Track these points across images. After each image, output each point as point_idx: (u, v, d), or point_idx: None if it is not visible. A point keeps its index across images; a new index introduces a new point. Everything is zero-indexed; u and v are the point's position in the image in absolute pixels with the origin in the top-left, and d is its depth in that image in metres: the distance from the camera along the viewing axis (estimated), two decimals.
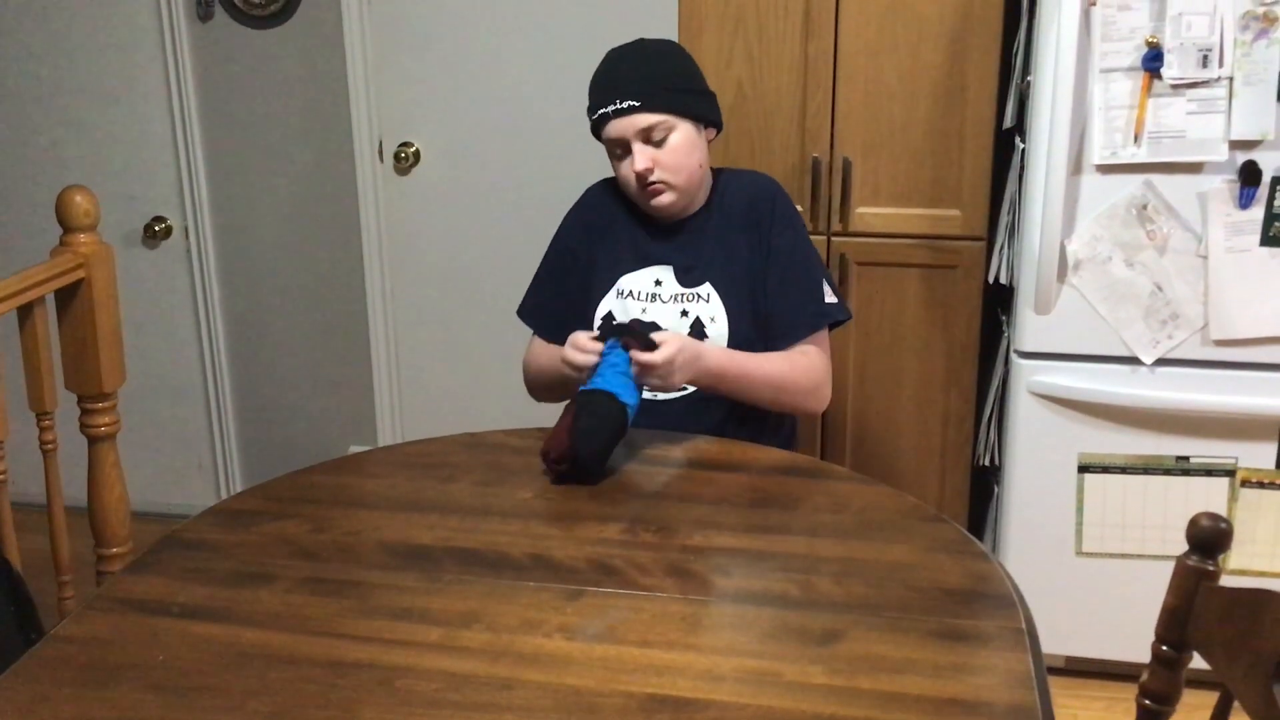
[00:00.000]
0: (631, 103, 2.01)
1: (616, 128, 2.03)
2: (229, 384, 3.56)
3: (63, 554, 2.37)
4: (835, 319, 2.13)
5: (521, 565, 1.52)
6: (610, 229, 2.18)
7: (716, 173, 2.20)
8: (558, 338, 2.08)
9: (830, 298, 2.12)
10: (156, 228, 3.43)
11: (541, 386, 2.22)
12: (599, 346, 1.87)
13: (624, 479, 1.81)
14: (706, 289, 2.09)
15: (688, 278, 2.10)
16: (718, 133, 2.17)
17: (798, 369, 2.06)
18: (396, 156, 3.31)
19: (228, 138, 3.35)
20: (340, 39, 3.20)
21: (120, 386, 2.42)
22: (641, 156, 2.02)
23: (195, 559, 1.55)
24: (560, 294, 2.21)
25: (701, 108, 2.10)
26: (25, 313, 2.25)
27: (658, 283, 2.11)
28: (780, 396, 2.07)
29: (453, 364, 3.46)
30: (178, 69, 3.29)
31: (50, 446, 2.32)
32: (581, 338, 1.91)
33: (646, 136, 2.02)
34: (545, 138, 3.21)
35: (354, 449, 3.50)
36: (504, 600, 1.43)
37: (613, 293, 2.13)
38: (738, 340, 2.07)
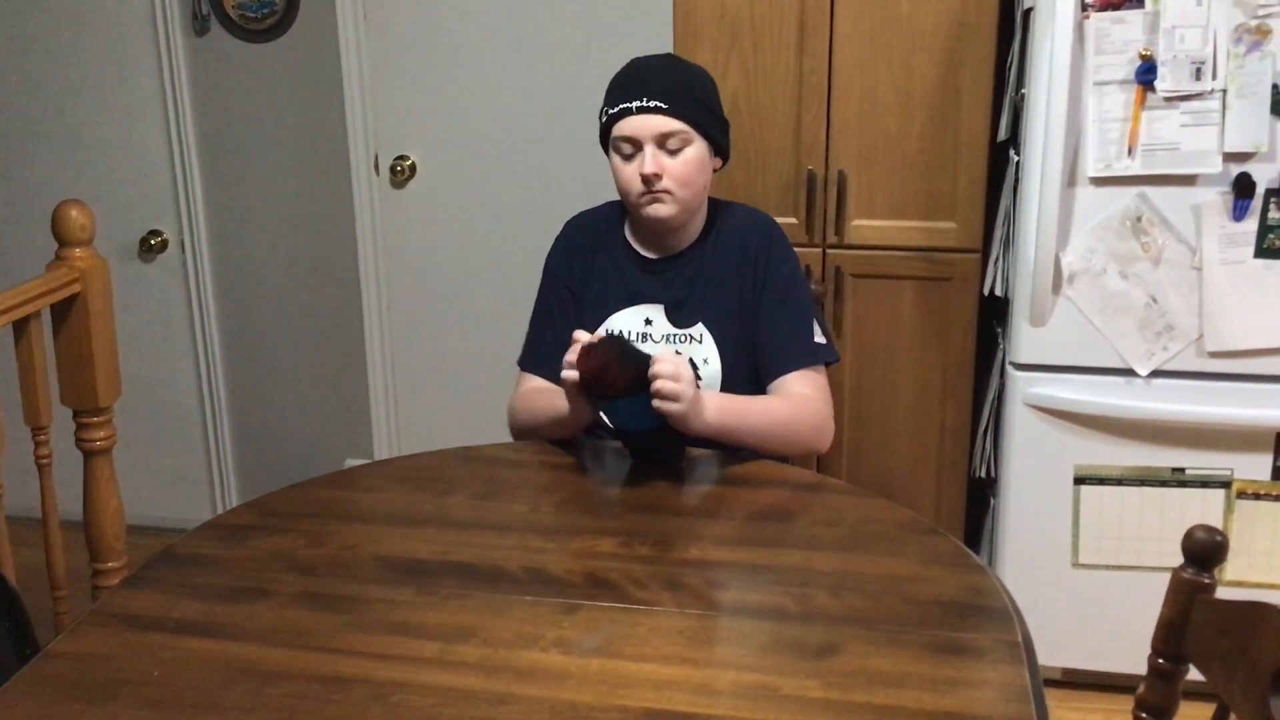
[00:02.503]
0: (658, 104, 1.95)
1: (634, 124, 1.96)
2: (225, 398, 3.56)
3: (58, 569, 2.36)
4: (824, 359, 2.05)
5: (518, 579, 1.52)
6: (597, 262, 2.11)
7: (711, 205, 2.13)
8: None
9: (819, 338, 2.05)
10: (152, 241, 3.43)
11: (530, 428, 2.06)
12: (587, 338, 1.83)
13: (619, 492, 1.81)
14: (699, 329, 2.04)
15: (679, 317, 2.05)
16: (723, 165, 2.11)
17: (799, 410, 1.99)
18: (392, 169, 3.31)
19: (223, 151, 3.36)
20: (336, 52, 3.20)
21: (116, 401, 2.41)
22: (652, 160, 1.95)
23: (191, 574, 1.55)
24: (561, 336, 2.05)
25: (720, 133, 2.05)
26: (20, 327, 2.25)
27: (648, 322, 2.06)
28: (783, 437, 1.98)
29: (449, 377, 3.46)
30: (173, 82, 3.30)
31: (46, 461, 2.31)
32: (581, 334, 1.84)
33: (662, 141, 1.96)
34: (541, 150, 3.21)
35: (350, 463, 3.50)
36: (500, 614, 1.43)
37: (601, 331, 2.05)
38: (732, 381, 2.01)
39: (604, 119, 2.03)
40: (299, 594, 1.49)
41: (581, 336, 1.84)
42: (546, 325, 2.13)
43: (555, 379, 1.94)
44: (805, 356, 2.02)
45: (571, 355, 1.82)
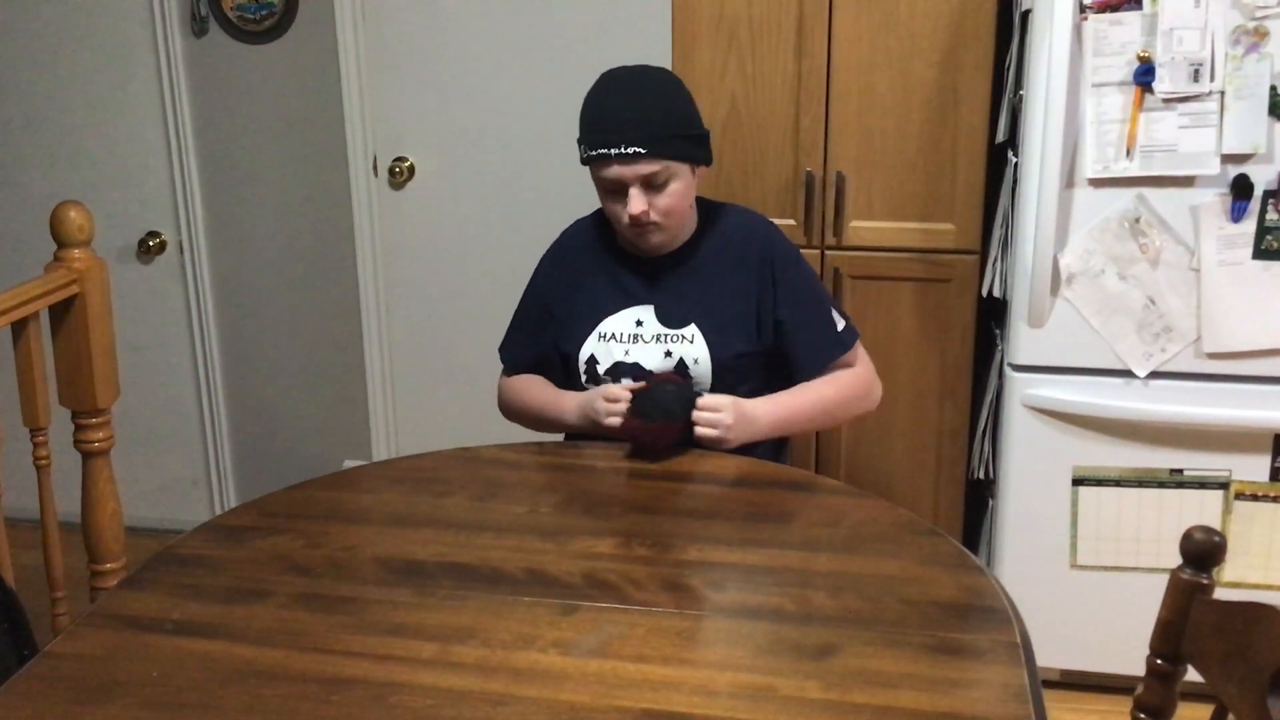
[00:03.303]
0: (637, 149, 1.95)
1: (616, 170, 1.97)
2: (223, 399, 3.56)
3: (57, 570, 2.36)
4: (849, 346, 2.15)
5: (516, 580, 1.52)
6: (589, 272, 2.15)
7: (704, 206, 2.16)
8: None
9: (839, 323, 2.14)
10: (151, 243, 3.43)
11: (522, 416, 2.21)
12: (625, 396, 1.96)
13: (618, 493, 1.81)
14: (691, 330, 2.06)
15: (671, 318, 2.07)
16: (709, 166, 2.13)
17: (843, 387, 2.13)
18: (391, 171, 3.32)
19: (222, 153, 3.36)
20: (335, 53, 3.20)
21: (114, 402, 2.41)
22: (638, 201, 1.97)
23: (189, 575, 1.55)
24: (538, 340, 2.20)
25: (701, 153, 2.06)
26: (19, 329, 2.24)
27: (639, 323, 2.08)
28: (837, 416, 2.18)
29: (447, 378, 3.46)
30: (172, 84, 3.30)
31: (44, 462, 2.31)
32: (615, 390, 1.96)
33: (647, 182, 1.98)
34: (539, 151, 3.21)
35: (348, 464, 3.50)
36: (498, 615, 1.43)
37: (594, 336, 2.09)
38: (723, 379, 2.06)
39: (583, 155, 2.03)
40: (298, 595, 1.49)
41: (622, 395, 1.95)
42: (524, 326, 2.24)
43: (526, 371, 2.22)
44: (838, 348, 2.14)
45: (617, 407, 1.94)
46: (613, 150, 1.96)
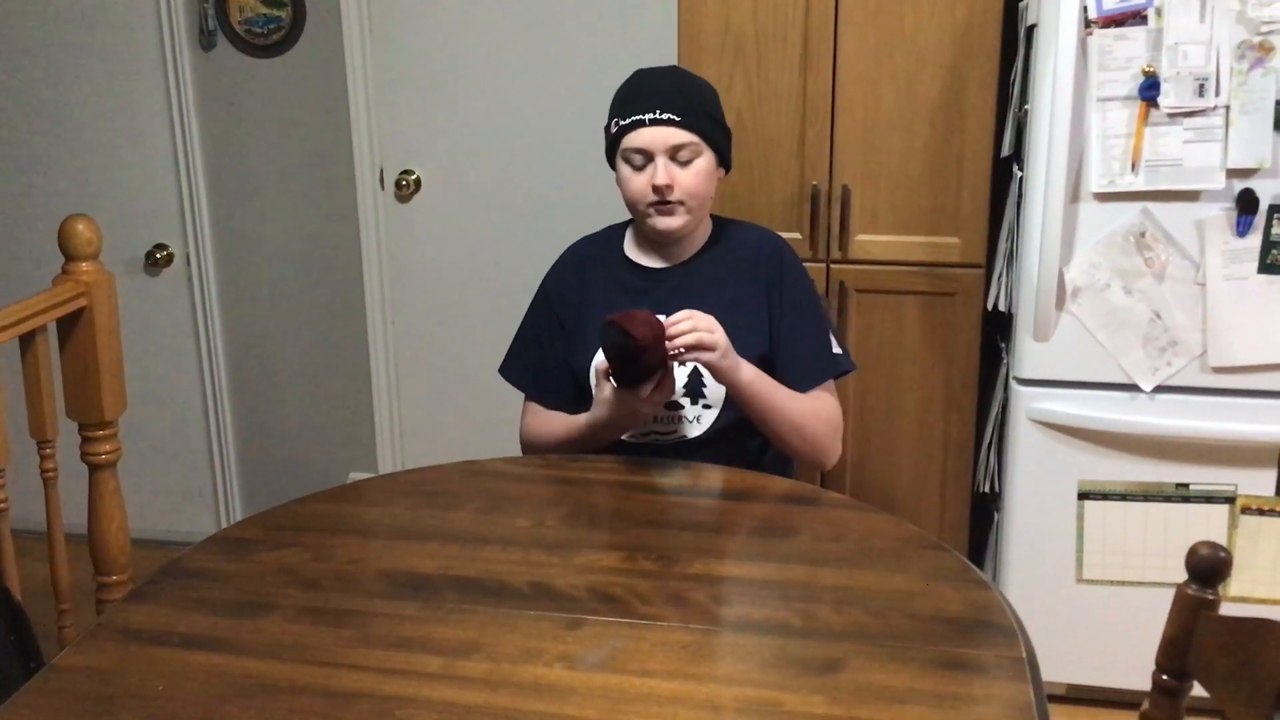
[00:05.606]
0: (671, 116, 1.98)
1: (646, 136, 1.99)
2: (229, 412, 3.57)
3: (63, 582, 2.36)
4: (843, 369, 2.12)
5: (521, 594, 1.52)
6: (599, 283, 2.15)
7: (717, 221, 2.18)
8: (546, 399, 2.16)
9: (836, 349, 2.12)
10: (158, 255, 3.44)
11: (553, 448, 2.14)
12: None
13: (623, 507, 1.81)
14: None
15: None
16: (725, 173, 2.14)
17: (821, 411, 2.05)
18: (398, 184, 3.33)
19: (229, 166, 3.37)
20: (342, 68, 3.22)
21: (121, 414, 2.42)
22: (664, 171, 1.99)
23: (195, 588, 1.55)
24: (544, 358, 2.18)
25: (726, 143, 2.09)
26: (27, 341, 2.25)
27: None
28: (801, 425, 2.02)
29: (453, 391, 3.47)
30: (180, 97, 3.31)
31: (51, 474, 2.32)
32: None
33: (674, 154, 2.00)
34: (545, 165, 3.22)
35: (354, 476, 3.50)
36: (504, 629, 1.43)
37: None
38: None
39: (614, 129, 2.05)
40: (303, 608, 1.49)
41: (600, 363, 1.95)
42: (530, 343, 2.21)
43: (534, 392, 2.17)
44: (826, 369, 2.10)
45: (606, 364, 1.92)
46: (647, 115, 1.99)
